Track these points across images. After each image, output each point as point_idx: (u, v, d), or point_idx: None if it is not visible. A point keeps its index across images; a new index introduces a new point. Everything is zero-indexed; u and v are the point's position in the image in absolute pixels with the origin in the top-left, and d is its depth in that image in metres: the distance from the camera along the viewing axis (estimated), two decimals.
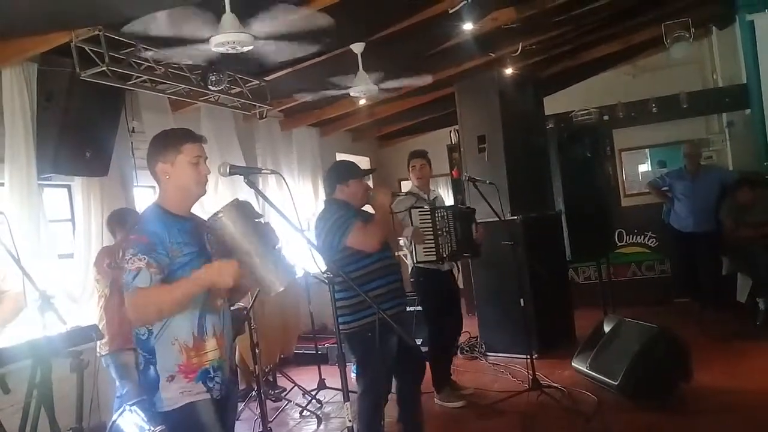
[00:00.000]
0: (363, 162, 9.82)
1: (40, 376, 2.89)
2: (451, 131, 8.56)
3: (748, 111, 7.75)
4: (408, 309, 4.12)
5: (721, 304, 6.61)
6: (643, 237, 8.05)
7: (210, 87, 5.02)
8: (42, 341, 2.91)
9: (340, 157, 9.11)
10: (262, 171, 2.71)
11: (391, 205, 3.62)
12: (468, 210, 5.12)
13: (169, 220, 2.32)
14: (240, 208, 2.33)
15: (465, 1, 4.95)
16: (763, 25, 6.93)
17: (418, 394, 3.83)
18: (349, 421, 2.49)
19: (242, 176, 2.45)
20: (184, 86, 5.01)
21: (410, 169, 5.10)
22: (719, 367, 4.93)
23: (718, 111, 8.49)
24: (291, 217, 2.44)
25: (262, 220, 2.41)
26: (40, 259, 4.34)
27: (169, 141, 2.39)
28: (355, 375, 3.74)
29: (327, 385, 5.47)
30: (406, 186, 5.92)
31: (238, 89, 5.53)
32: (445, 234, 4.66)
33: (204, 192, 2.43)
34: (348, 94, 5.60)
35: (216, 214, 2.27)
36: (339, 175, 3.67)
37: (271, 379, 5.80)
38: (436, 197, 5.15)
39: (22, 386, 2.95)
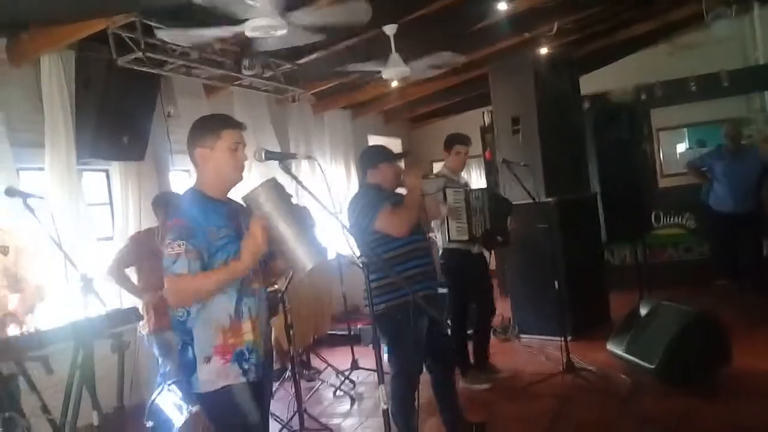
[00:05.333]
0: (395, 144, 9.80)
1: (82, 356, 2.96)
2: (484, 112, 8.46)
3: None
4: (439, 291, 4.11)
5: (762, 287, 6.48)
6: (681, 218, 7.88)
7: (243, 71, 5.06)
8: (84, 323, 2.97)
9: (372, 139, 9.10)
10: (297, 156, 2.71)
11: (421, 187, 3.61)
12: (505, 199, 5.05)
13: (206, 204, 2.36)
14: (277, 186, 2.35)
15: None
16: None
17: (451, 380, 3.85)
18: (384, 403, 2.48)
19: (277, 162, 2.46)
20: (218, 71, 5.05)
21: (453, 153, 4.93)
22: (759, 350, 4.83)
23: (760, 89, 8.26)
24: (325, 201, 2.45)
25: (295, 201, 2.44)
26: (80, 242, 4.46)
27: (209, 126, 2.42)
28: (387, 356, 3.75)
29: (360, 365, 5.52)
30: (437, 168, 5.87)
31: (270, 73, 5.56)
32: (478, 214, 4.65)
33: (241, 178, 2.46)
34: (380, 76, 5.57)
35: (253, 190, 2.30)
36: (368, 159, 3.70)
37: (305, 360, 5.87)
38: (466, 182, 5.11)
39: (64, 367, 3.03)
